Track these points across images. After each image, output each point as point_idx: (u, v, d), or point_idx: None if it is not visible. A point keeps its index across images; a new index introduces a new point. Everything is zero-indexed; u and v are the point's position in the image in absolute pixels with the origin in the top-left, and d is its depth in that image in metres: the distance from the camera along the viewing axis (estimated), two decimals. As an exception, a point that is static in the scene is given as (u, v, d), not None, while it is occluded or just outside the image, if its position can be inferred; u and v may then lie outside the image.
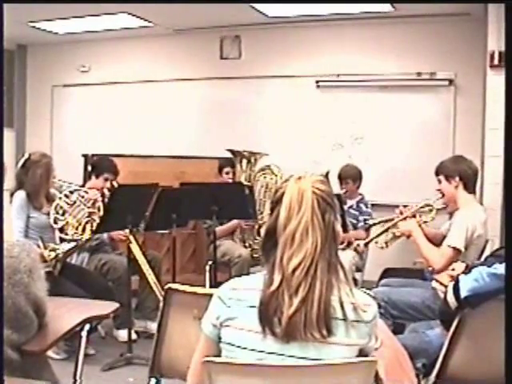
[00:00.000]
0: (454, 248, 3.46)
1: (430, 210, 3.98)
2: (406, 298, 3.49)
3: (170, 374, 2.50)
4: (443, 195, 3.79)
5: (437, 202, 3.95)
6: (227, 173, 5.48)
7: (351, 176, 5.29)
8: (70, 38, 7.10)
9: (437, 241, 3.71)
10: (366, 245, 4.33)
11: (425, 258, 3.61)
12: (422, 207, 3.96)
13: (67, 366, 2.62)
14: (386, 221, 4.10)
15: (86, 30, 6.80)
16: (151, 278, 4.12)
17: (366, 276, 5.11)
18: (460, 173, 3.66)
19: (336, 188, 5.17)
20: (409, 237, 3.81)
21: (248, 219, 5.10)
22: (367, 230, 4.87)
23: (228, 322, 1.65)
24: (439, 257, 3.49)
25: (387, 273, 4.43)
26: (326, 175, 5.13)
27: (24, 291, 2.07)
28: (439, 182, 3.76)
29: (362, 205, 5.27)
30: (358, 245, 4.76)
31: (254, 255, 5.16)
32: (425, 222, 4.00)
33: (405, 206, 4.04)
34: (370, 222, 4.67)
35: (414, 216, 3.89)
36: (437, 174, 3.78)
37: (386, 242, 4.10)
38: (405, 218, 3.91)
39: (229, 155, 5.69)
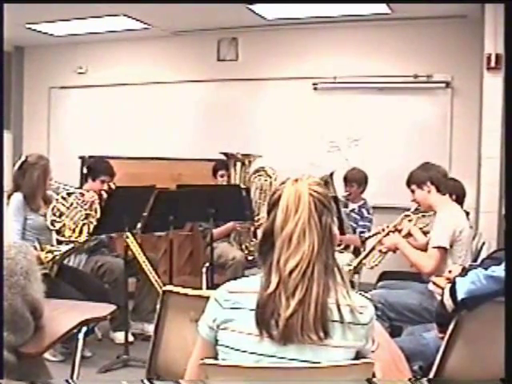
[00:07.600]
0: (439, 247, 3.51)
1: (410, 221, 4.02)
2: (403, 300, 3.49)
3: (166, 376, 2.49)
4: (419, 204, 3.84)
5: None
6: (222, 175, 5.44)
7: (357, 180, 5.28)
8: (67, 39, 7.10)
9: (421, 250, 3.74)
10: (356, 268, 4.31)
11: (415, 265, 3.66)
12: (402, 219, 4.03)
13: (64, 368, 2.63)
14: (378, 233, 4.12)
15: (84, 32, 6.80)
16: (152, 276, 4.09)
17: (363, 278, 5.10)
18: (431, 178, 3.70)
19: (341, 190, 5.23)
20: (395, 251, 3.85)
21: (245, 221, 5.09)
22: (363, 242, 4.85)
23: (225, 324, 1.64)
24: (427, 259, 3.54)
25: (384, 275, 4.43)
26: (331, 176, 5.15)
27: (21, 293, 2.07)
28: (412, 192, 3.80)
29: (363, 210, 5.25)
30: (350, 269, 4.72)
31: (249, 257, 5.16)
32: (421, 227, 4.04)
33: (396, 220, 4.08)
34: (366, 235, 4.71)
35: (396, 230, 3.93)
36: (408, 185, 3.81)
37: (374, 261, 4.12)
38: (387, 234, 3.94)
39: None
